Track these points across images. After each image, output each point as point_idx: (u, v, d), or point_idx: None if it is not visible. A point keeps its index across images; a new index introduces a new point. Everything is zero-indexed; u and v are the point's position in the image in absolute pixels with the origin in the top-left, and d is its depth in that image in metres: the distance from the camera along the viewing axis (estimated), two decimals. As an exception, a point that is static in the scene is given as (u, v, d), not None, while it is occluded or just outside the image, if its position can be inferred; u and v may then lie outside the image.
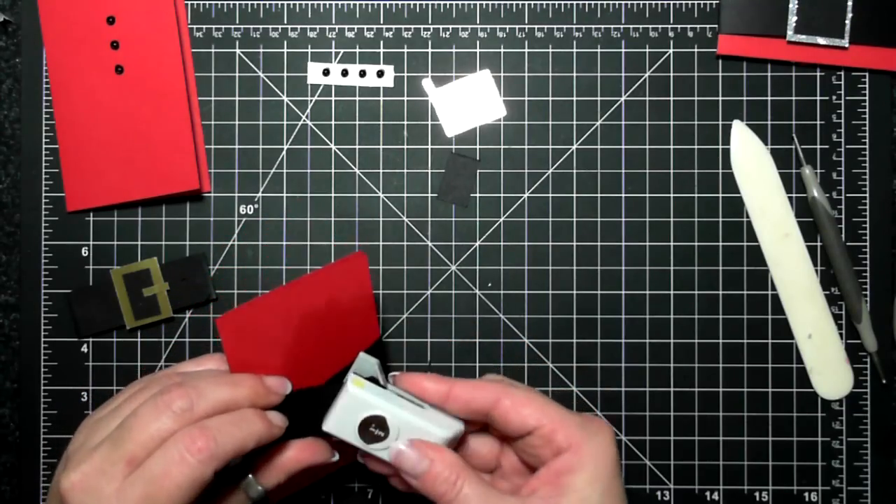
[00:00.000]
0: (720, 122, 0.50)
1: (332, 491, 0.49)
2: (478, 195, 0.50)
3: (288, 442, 0.41)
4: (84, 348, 0.50)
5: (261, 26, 0.50)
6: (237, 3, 0.50)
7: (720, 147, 0.50)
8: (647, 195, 0.50)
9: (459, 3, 0.51)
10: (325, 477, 0.49)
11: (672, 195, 0.50)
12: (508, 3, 0.50)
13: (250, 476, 0.40)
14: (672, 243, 0.50)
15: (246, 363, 0.40)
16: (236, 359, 0.40)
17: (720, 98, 0.50)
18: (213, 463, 0.36)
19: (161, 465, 0.35)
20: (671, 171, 0.50)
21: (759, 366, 0.50)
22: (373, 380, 0.40)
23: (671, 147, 0.50)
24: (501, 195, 0.50)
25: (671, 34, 0.50)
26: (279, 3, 0.50)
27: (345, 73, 0.50)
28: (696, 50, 0.50)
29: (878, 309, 0.50)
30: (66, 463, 0.38)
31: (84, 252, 0.50)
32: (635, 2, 0.50)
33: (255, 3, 0.50)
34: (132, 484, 0.36)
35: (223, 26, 0.50)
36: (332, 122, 0.50)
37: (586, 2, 0.51)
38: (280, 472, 0.40)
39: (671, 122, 0.50)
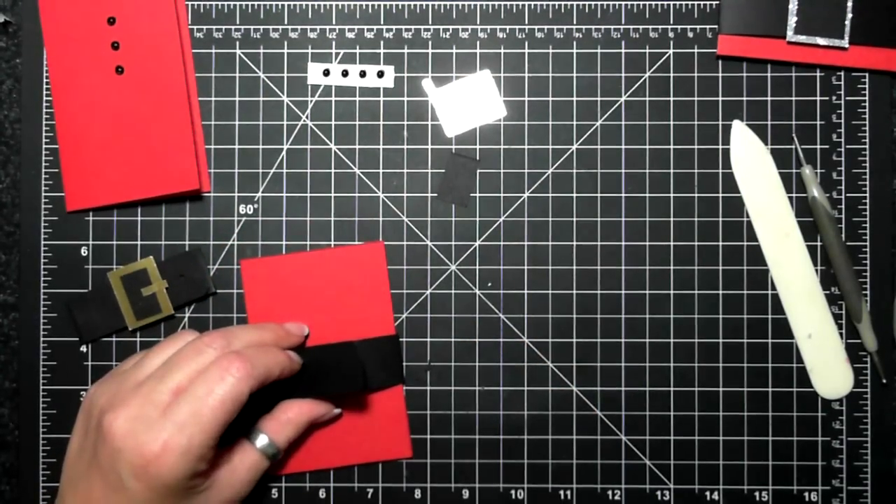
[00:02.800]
0: (720, 122, 0.50)
1: (333, 491, 0.49)
2: (478, 195, 0.50)
3: (293, 400, 0.47)
4: (83, 348, 0.50)
5: (261, 27, 0.50)
6: (237, 3, 0.51)
7: (720, 147, 0.50)
8: (647, 195, 0.50)
9: (459, 3, 0.51)
10: (324, 477, 0.49)
11: (672, 195, 0.50)
12: (508, 3, 0.51)
13: (264, 435, 0.45)
14: (672, 243, 0.50)
15: (262, 308, 0.49)
16: (254, 301, 0.49)
17: (720, 98, 0.50)
18: (250, 382, 0.41)
19: (205, 386, 0.40)
20: (671, 171, 0.50)
21: (759, 366, 0.50)
22: None
23: (671, 147, 0.50)
24: (501, 195, 0.50)
25: (671, 35, 0.50)
26: (279, 3, 0.51)
27: (345, 73, 0.50)
28: (696, 50, 0.50)
29: (878, 309, 0.50)
30: (105, 406, 0.41)
31: (83, 252, 0.50)
32: (635, 2, 0.50)
33: (256, 3, 0.51)
34: (178, 405, 0.40)
35: (223, 27, 0.50)
36: (332, 123, 0.50)
37: (586, 2, 0.51)
38: (290, 427, 0.46)
39: (671, 123, 0.50)
